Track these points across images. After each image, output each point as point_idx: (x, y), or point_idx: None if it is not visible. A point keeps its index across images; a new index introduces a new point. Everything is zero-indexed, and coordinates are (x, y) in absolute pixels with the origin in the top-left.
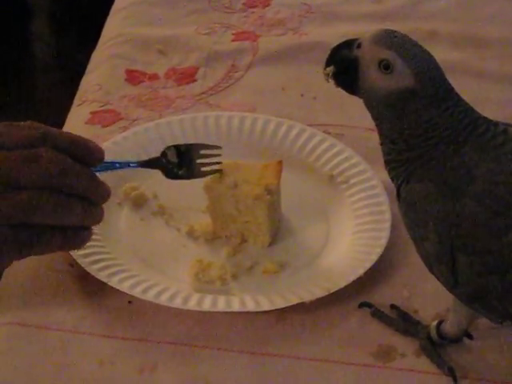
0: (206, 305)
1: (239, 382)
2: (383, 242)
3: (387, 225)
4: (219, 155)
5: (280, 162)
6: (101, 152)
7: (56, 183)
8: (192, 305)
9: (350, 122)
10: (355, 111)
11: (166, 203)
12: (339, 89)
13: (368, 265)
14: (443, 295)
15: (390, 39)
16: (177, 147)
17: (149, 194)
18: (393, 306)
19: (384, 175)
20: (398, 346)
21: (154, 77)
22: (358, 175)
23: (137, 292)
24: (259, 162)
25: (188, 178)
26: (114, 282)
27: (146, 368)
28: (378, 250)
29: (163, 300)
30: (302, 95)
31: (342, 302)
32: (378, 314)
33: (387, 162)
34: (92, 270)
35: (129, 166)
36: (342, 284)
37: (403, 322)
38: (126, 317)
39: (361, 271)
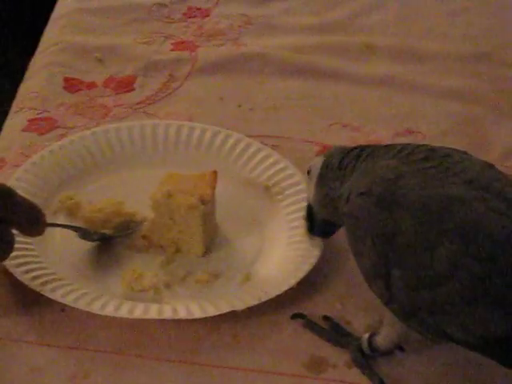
0: (138, 312)
1: None
2: (317, 252)
3: None
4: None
5: (215, 172)
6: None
7: None
8: (123, 313)
9: (286, 134)
10: (291, 123)
11: None
12: (276, 100)
13: (301, 274)
14: (376, 307)
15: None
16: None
17: (84, 203)
18: (325, 318)
19: None
20: (330, 357)
21: (91, 85)
22: (293, 186)
23: (69, 300)
24: (195, 172)
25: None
26: (46, 291)
27: (78, 376)
28: (312, 261)
29: (95, 308)
30: (239, 106)
31: (275, 313)
32: (310, 325)
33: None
34: (25, 279)
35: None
36: (275, 293)
37: (335, 333)
38: (58, 324)
39: (293, 281)
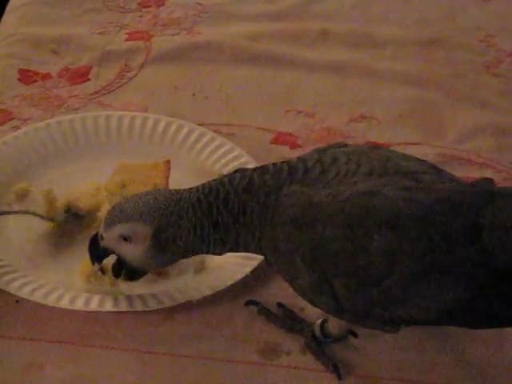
0: (93, 305)
1: (125, 380)
2: None
3: None
4: None
5: (168, 162)
6: None
7: None
8: (79, 305)
9: (241, 122)
10: (246, 111)
11: None
12: (231, 88)
13: (255, 262)
14: None
15: (111, 218)
16: None
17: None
18: (279, 304)
19: None
20: (284, 343)
21: (46, 76)
22: None
23: (24, 293)
24: (149, 162)
25: None
26: (1, 284)
27: (34, 366)
28: None
29: (51, 301)
30: (193, 95)
31: (229, 301)
32: (264, 312)
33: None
34: None
35: None
36: (229, 282)
37: (289, 319)
38: (13, 316)
39: (248, 269)
